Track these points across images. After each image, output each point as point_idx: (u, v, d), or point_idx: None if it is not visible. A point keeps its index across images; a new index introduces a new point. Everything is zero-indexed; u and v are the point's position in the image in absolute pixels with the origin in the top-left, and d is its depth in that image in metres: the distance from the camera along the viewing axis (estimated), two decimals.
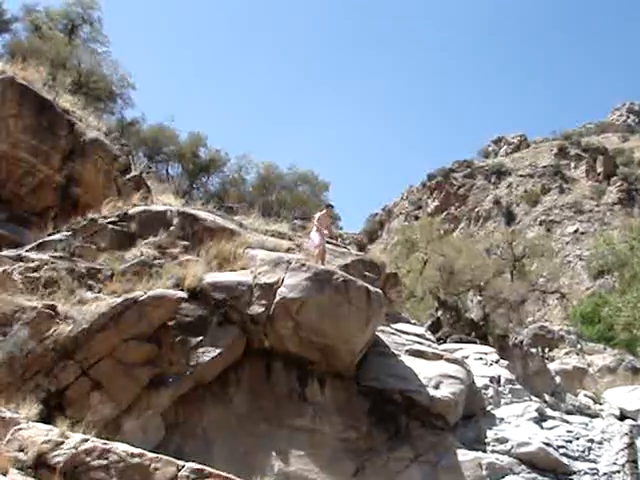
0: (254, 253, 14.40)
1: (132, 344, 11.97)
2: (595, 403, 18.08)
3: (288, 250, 15.34)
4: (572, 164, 67.87)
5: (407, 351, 15.20)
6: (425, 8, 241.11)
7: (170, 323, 12.44)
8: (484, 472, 12.92)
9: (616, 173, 62.76)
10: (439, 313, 25.14)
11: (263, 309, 12.98)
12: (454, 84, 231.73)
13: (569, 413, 16.52)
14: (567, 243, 55.99)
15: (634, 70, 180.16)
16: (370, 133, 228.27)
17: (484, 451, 13.56)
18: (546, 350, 24.60)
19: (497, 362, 17.36)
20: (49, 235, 13.96)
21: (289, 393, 13.11)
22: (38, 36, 28.45)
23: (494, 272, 26.60)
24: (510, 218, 62.90)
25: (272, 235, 16.33)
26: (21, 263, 12.73)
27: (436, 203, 70.07)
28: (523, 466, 13.32)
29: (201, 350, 12.33)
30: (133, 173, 19.17)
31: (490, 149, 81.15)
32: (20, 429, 9.34)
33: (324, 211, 16.56)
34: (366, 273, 16.12)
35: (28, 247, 13.47)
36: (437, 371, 14.48)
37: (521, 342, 23.37)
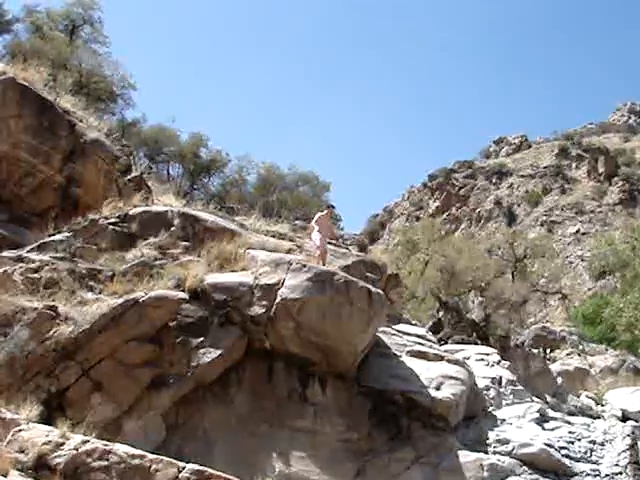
0: (255, 254, 14.38)
1: (133, 345, 11.97)
2: (597, 404, 18.07)
3: (289, 251, 15.32)
4: (573, 164, 67.84)
5: (408, 352, 15.18)
6: (426, 8, 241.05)
7: (171, 324, 12.44)
8: (485, 473, 12.88)
9: (617, 173, 62.70)
10: (440, 314, 25.13)
11: (264, 310, 12.96)
12: (455, 84, 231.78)
13: (571, 414, 16.51)
14: (568, 244, 55.95)
15: (635, 70, 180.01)
16: (371, 133, 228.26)
17: (485, 452, 13.53)
18: (547, 351, 24.62)
19: (498, 363, 17.35)
20: (50, 236, 13.96)
21: (290, 394, 13.09)
22: (39, 37, 28.47)
23: (495, 273, 26.57)
24: (511, 219, 62.87)
25: (273, 236, 16.31)
26: (22, 264, 12.73)
27: (437, 204, 70.06)
28: (525, 467, 13.29)
29: (202, 351, 12.32)
30: (134, 174, 19.15)
31: (491, 149, 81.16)
32: (20, 430, 9.34)
33: (325, 212, 16.53)
34: (367, 274, 16.10)
35: (29, 248, 13.47)
36: (438, 372, 14.46)
37: (522, 343, 23.40)
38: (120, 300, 12.25)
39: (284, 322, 12.98)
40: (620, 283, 30.04)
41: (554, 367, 21.05)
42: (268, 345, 13.11)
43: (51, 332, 11.44)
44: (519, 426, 14.66)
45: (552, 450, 13.79)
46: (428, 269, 27.22)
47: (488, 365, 17.06)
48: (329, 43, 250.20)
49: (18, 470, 8.73)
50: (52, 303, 11.90)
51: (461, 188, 69.80)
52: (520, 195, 65.54)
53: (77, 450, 9.13)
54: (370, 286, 14.07)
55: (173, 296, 12.68)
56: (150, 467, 9.17)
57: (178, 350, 12.24)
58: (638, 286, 25.55)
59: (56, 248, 13.47)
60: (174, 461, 9.39)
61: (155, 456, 9.43)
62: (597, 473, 13.72)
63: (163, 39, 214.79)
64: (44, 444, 9.10)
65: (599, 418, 16.70)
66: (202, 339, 12.43)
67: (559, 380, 19.74)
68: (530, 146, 77.24)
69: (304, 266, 13.59)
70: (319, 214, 16.31)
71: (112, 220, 14.66)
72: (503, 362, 17.54)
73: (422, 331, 17.38)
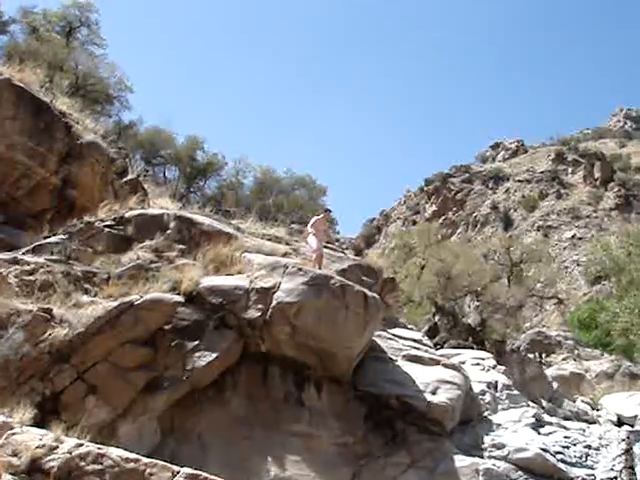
0: (251, 257, 14.36)
1: (128, 348, 11.91)
2: (592, 409, 18.10)
3: (285, 254, 15.29)
4: (570, 170, 68.03)
5: (404, 356, 15.18)
6: (424, 12, 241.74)
7: (166, 327, 12.38)
8: (481, 478, 12.88)
9: (613, 179, 62.90)
10: (436, 318, 25.16)
11: (260, 313, 12.93)
12: (452, 89, 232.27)
13: (566, 419, 16.53)
14: (564, 248, 56.02)
15: (632, 76, 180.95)
16: (368, 138, 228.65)
17: (481, 457, 13.52)
18: (543, 356, 24.64)
19: (494, 368, 17.36)
20: (45, 238, 13.91)
21: (286, 397, 13.06)
22: (35, 38, 28.46)
23: (491, 277, 26.61)
24: (508, 223, 62.98)
25: (269, 239, 16.29)
26: (17, 266, 12.66)
27: (434, 208, 70.15)
28: (520, 472, 13.28)
29: (197, 354, 12.28)
30: (130, 176, 19.14)
31: (488, 154, 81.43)
32: (14, 433, 9.26)
33: (321, 215, 16.54)
34: (363, 278, 16.09)
35: (24, 250, 13.41)
36: (434, 376, 14.45)
37: (518, 348, 23.42)
38: (115, 303, 12.20)
39: (280, 326, 12.95)
40: (616, 288, 30.03)
41: (550, 372, 21.07)
42: (264, 349, 13.07)
43: (46, 335, 11.37)
44: (515, 431, 14.66)
45: (547, 455, 13.80)
46: (424, 273, 27.27)
47: (484, 370, 17.06)
48: (326, 46, 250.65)
49: (11, 474, 8.66)
50: (47, 306, 11.83)
51: (458, 192, 69.90)
52: (516, 200, 65.67)
53: (71, 454, 9.05)
54: (366, 290, 14.06)
55: (168, 299, 12.64)
56: (144, 471, 9.11)
57: (173, 353, 12.19)
58: (633, 291, 25.53)
59: (51, 250, 13.42)
60: (169, 465, 9.33)
61: (149, 460, 9.37)
62: (592, 478, 13.74)
63: (160, 41, 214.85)
64: (38, 447, 9.01)
65: (594, 423, 16.72)
66: (197, 342, 12.38)
67: (555, 385, 19.75)
68: (526, 151, 77.50)
69: (300, 270, 13.58)
70: (315, 218, 16.31)
71: (108, 223, 14.61)
72: (499, 367, 17.55)
73: (418, 335, 17.40)
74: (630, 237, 29.13)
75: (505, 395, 16.01)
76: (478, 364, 17.33)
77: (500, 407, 15.61)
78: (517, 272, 29.08)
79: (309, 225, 16.02)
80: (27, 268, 12.69)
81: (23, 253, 13.23)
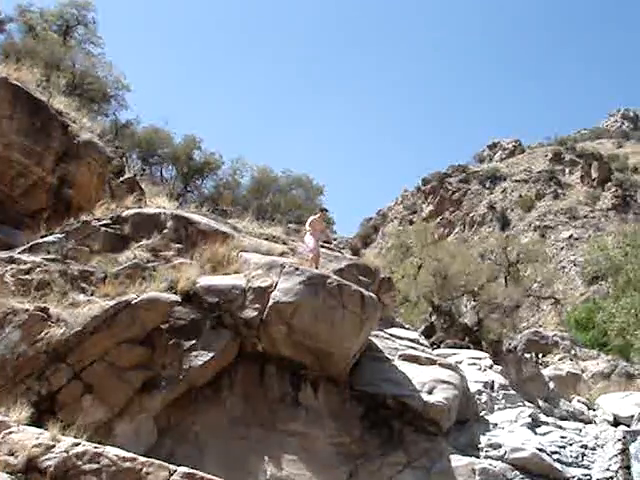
0: (248, 257, 14.37)
1: (125, 347, 11.91)
2: (589, 409, 18.13)
3: (282, 254, 15.30)
4: (567, 170, 68.12)
5: (401, 356, 15.20)
6: (422, 11, 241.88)
7: (163, 326, 12.39)
8: (477, 478, 12.90)
9: (611, 179, 62.98)
10: (433, 318, 25.19)
11: (256, 313, 12.93)
12: (450, 89, 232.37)
13: (563, 419, 16.56)
14: (561, 249, 56.09)
15: (629, 76, 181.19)
16: (365, 137, 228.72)
17: (477, 456, 13.55)
18: (540, 356, 24.65)
19: (491, 367, 17.40)
20: (42, 237, 13.87)
21: (282, 397, 13.07)
22: (32, 37, 28.40)
23: (488, 277, 26.65)
24: (504, 223, 63.02)
25: (266, 239, 16.28)
26: (13, 265, 12.65)
27: (431, 208, 70.17)
28: (516, 472, 13.31)
29: (194, 354, 12.28)
30: (127, 175, 19.11)
31: (485, 154, 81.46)
32: (10, 433, 9.27)
33: (318, 215, 16.55)
34: (360, 277, 16.11)
35: (20, 249, 13.39)
36: (431, 376, 14.47)
37: (515, 347, 23.45)
38: (112, 302, 12.19)
39: (276, 325, 12.96)
40: (612, 288, 30.11)
41: (546, 372, 21.08)
42: (260, 348, 13.08)
43: (42, 334, 11.36)
44: (511, 430, 14.68)
45: (544, 455, 13.82)
46: (421, 273, 27.29)
47: (480, 369, 17.09)
48: (323, 45, 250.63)
49: (7, 473, 8.66)
50: (43, 305, 11.81)
51: (455, 192, 69.91)
52: (513, 200, 65.71)
53: (67, 453, 9.06)
54: (363, 290, 14.08)
55: (165, 298, 12.64)
56: (141, 470, 9.13)
57: (170, 353, 12.19)
58: (630, 291, 25.61)
59: (48, 249, 13.40)
60: (165, 464, 9.35)
61: (146, 459, 9.39)
62: (588, 478, 13.77)
63: (157, 41, 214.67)
64: (34, 447, 9.02)
65: (591, 423, 16.75)
66: (194, 342, 12.39)
67: (551, 385, 19.77)
68: (524, 151, 77.56)
69: (297, 269, 13.59)
70: (312, 217, 16.32)
71: (104, 222, 14.60)
72: (495, 366, 17.59)
73: (415, 335, 17.41)
74: (627, 237, 29.21)
75: (501, 395, 16.04)
76: (475, 364, 17.36)
77: (496, 407, 15.64)
78: (514, 272, 29.13)
79: (306, 224, 16.03)
80: (24, 267, 12.67)
81: (19, 252, 13.21)
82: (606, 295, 34.43)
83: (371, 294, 14.32)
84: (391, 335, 16.20)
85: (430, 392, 14.01)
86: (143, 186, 20.17)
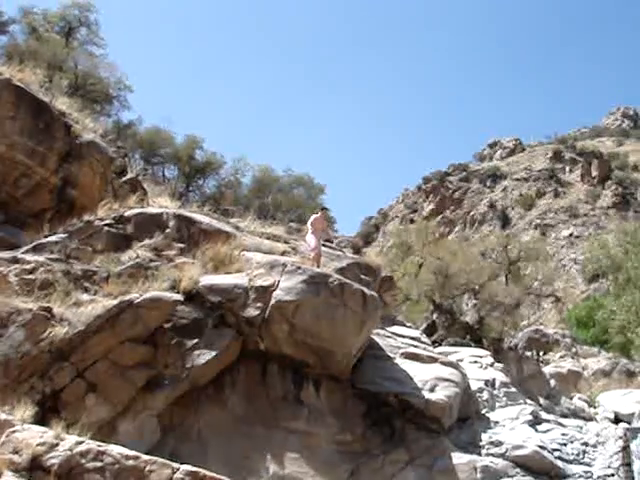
0: (250, 256, 14.41)
1: (128, 346, 11.96)
2: (590, 406, 18.15)
3: (284, 253, 15.34)
4: (567, 168, 68.14)
5: (402, 354, 15.23)
6: (422, 10, 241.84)
7: (166, 325, 12.43)
8: (479, 475, 12.95)
9: (611, 177, 63.01)
10: (434, 316, 25.19)
11: (259, 312, 12.98)
12: (450, 88, 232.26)
13: (564, 416, 16.59)
14: (562, 247, 56.12)
15: (629, 74, 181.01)
16: (366, 136, 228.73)
17: (479, 454, 13.59)
18: (541, 353, 24.66)
19: (492, 365, 17.42)
20: (45, 237, 13.92)
21: (284, 395, 13.11)
22: (35, 38, 28.46)
23: (489, 275, 26.63)
24: (505, 222, 63.05)
25: (268, 238, 16.33)
26: (17, 265, 12.70)
27: (431, 206, 70.22)
28: (518, 469, 13.36)
29: (197, 352, 12.33)
30: (129, 175, 19.18)
31: (485, 153, 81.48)
32: (15, 431, 9.30)
33: (319, 214, 16.56)
34: (362, 276, 16.14)
35: (24, 249, 13.43)
36: (432, 374, 14.51)
37: (516, 345, 23.45)
38: (115, 301, 12.24)
39: (278, 324, 13.01)
40: (613, 286, 30.14)
41: (547, 369, 21.11)
42: (262, 347, 13.13)
43: (46, 333, 11.41)
44: (512, 428, 14.73)
45: (545, 452, 13.87)
46: (422, 271, 27.28)
47: (481, 367, 17.12)
48: (324, 45, 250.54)
49: (12, 471, 8.69)
50: (47, 304, 11.86)
51: (455, 191, 69.97)
52: (514, 198, 65.75)
53: (71, 451, 9.09)
54: (364, 288, 14.12)
55: (168, 298, 12.69)
56: (144, 468, 9.15)
57: (173, 351, 12.24)
58: (631, 289, 25.63)
59: (51, 249, 13.45)
60: (168, 462, 9.38)
61: (149, 457, 9.41)
62: (589, 475, 13.82)
63: (159, 41, 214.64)
64: (38, 445, 9.05)
65: (592, 420, 16.78)
66: (197, 341, 12.43)
67: (552, 382, 19.80)
68: (524, 149, 77.57)
69: (299, 268, 13.63)
70: (314, 216, 16.35)
71: (107, 222, 14.63)
72: (496, 364, 17.61)
73: (416, 333, 17.44)
74: (627, 235, 29.22)
75: (503, 393, 16.07)
76: (476, 362, 17.38)
77: (498, 404, 15.68)
78: (515, 270, 29.11)
79: (308, 223, 16.07)
80: (27, 267, 12.72)
81: (23, 252, 13.26)
82: (607, 293, 34.47)
83: (372, 293, 14.37)
84: (393, 333, 16.23)
85: (432, 390, 14.05)
86: (145, 186, 20.25)
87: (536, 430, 14.89)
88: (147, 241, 14.45)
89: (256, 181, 35.75)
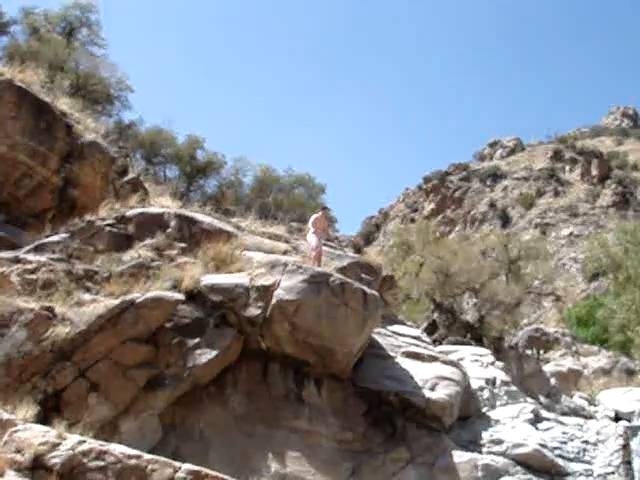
0: (251, 255, 14.45)
1: (129, 346, 12.01)
2: (590, 405, 18.17)
3: (285, 252, 15.38)
4: (567, 167, 68.05)
5: (403, 353, 15.26)
6: (422, 10, 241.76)
7: (167, 325, 12.48)
8: (479, 473, 12.99)
9: (611, 176, 62.95)
10: (435, 315, 25.20)
11: (260, 311, 13.02)
12: (450, 88, 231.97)
13: (564, 415, 16.61)
14: (562, 246, 56.09)
15: (629, 74, 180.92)
16: (366, 136, 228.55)
17: (480, 452, 13.63)
18: (541, 352, 24.69)
19: (492, 364, 17.44)
20: (47, 237, 13.96)
21: (286, 394, 13.16)
22: (36, 39, 28.41)
23: (489, 274, 26.61)
24: (505, 221, 62.98)
25: (269, 237, 16.36)
26: (19, 265, 12.74)
27: (432, 206, 70.13)
28: (518, 467, 13.41)
29: (198, 352, 12.38)
30: (131, 175, 19.21)
31: (486, 152, 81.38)
32: (17, 431, 9.32)
33: (320, 213, 16.58)
34: (363, 275, 16.18)
35: (26, 249, 13.47)
36: (433, 373, 14.55)
37: (516, 344, 23.47)
38: (116, 301, 12.28)
39: (280, 323, 13.05)
40: (613, 285, 30.11)
41: (547, 368, 21.16)
42: (264, 346, 13.17)
43: (48, 333, 11.45)
44: (513, 426, 14.76)
45: (545, 450, 13.91)
46: (423, 271, 27.25)
47: (482, 366, 17.14)
48: (325, 45, 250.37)
49: (14, 470, 8.72)
50: (49, 304, 11.90)
51: (456, 190, 69.89)
52: (514, 197, 65.67)
53: (73, 450, 9.11)
54: (365, 287, 14.15)
55: (169, 297, 12.73)
56: (146, 467, 9.18)
57: (174, 351, 12.29)
58: (631, 288, 25.63)
59: (53, 249, 13.49)
60: (170, 461, 9.40)
61: (151, 456, 9.44)
62: (590, 473, 13.86)
63: (160, 41, 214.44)
64: (41, 444, 9.07)
65: (592, 418, 16.79)
66: (198, 340, 12.48)
67: (552, 381, 19.84)
68: (524, 149, 77.46)
69: (300, 267, 13.67)
70: (315, 216, 16.36)
71: (109, 221, 14.68)
72: (497, 363, 17.62)
73: (417, 332, 17.46)
74: (627, 234, 29.20)
75: (503, 391, 16.09)
76: (476, 360, 17.40)
77: (498, 403, 15.71)
78: (515, 269, 29.07)
79: (309, 223, 16.10)
80: (29, 267, 12.76)
81: (25, 252, 13.30)
82: (607, 292, 34.45)
83: (373, 292, 14.40)
84: (393, 332, 16.26)
85: (432, 389, 14.09)
86: (147, 186, 20.27)
87: (537, 428, 14.92)
88: (148, 241, 14.50)
89: (257, 181, 35.74)
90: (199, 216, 15.66)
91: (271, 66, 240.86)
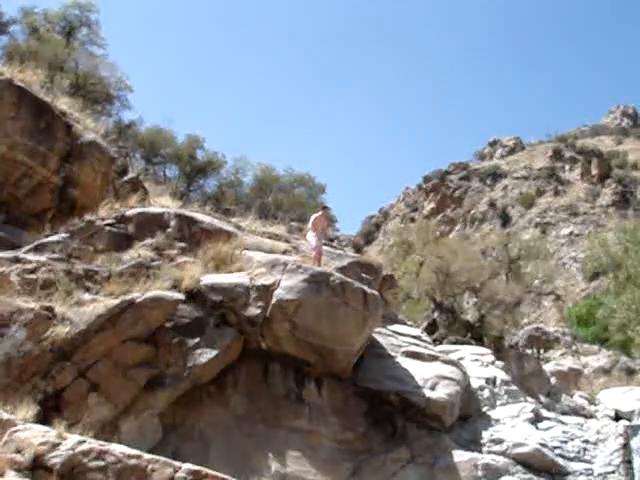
0: (251, 255, 14.44)
1: (129, 345, 12.00)
2: (590, 404, 18.19)
3: (285, 252, 15.37)
4: (567, 166, 68.09)
5: (403, 352, 15.26)
6: (421, 10, 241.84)
7: (167, 324, 12.47)
8: (480, 473, 12.99)
9: (611, 175, 63.00)
10: (435, 315, 25.20)
11: (260, 311, 13.02)
12: (450, 87, 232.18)
13: (564, 414, 16.62)
14: (562, 245, 56.12)
15: (628, 73, 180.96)
16: (366, 135, 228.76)
17: (480, 452, 13.64)
18: (541, 351, 24.72)
19: (493, 363, 17.45)
20: (46, 237, 13.94)
21: (286, 394, 13.16)
22: (36, 38, 28.40)
23: (489, 274, 26.62)
24: (505, 220, 63.01)
25: (269, 237, 16.36)
26: (18, 265, 12.72)
27: (432, 205, 70.15)
28: (519, 467, 13.41)
29: (198, 351, 12.37)
30: (130, 175, 19.20)
31: (486, 151, 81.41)
32: (17, 431, 9.31)
33: (320, 213, 16.57)
34: (363, 275, 16.16)
35: (25, 249, 13.46)
36: (433, 372, 14.55)
37: (516, 343, 23.51)
38: (116, 301, 12.27)
39: (280, 323, 13.04)
40: (613, 284, 30.10)
41: (548, 367, 21.17)
42: (264, 346, 13.17)
43: (48, 333, 11.43)
44: (513, 426, 14.76)
45: (546, 449, 13.91)
46: (423, 270, 27.25)
47: (482, 365, 17.15)
48: (325, 45, 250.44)
49: (14, 470, 8.70)
50: (49, 304, 11.89)
51: (456, 190, 69.90)
52: (514, 197, 65.71)
53: (74, 450, 9.09)
54: (365, 287, 14.15)
55: (169, 297, 12.72)
56: (147, 467, 9.16)
57: (174, 351, 12.28)
58: (631, 287, 25.63)
59: (53, 249, 13.48)
60: (170, 461, 9.39)
61: (151, 456, 9.43)
62: (590, 472, 13.87)
63: (160, 41, 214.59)
64: (40, 444, 9.05)
65: (592, 418, 16.81)
66: (198, 340, 12.47)
67: (553, 380, 19.85)
68: (524, 148, 77.51)
69: (300, 267, 13.66)
70: (315, 215, 16.36)
71: (109, 221, 14.67)
72: (497, 362, 17.64)
73: (417, 332, 17.47)
74: (627, 233, 29.19)
75: (504, 390, 16.10)
76: (477, 360, 17.41)
77: (499, 402, 15.71)
78: (515, 269, 29.06)
79: (309, 222, 16.09)
80: (29, 267, 12.75)
81: (25, 252, 13.29)
82: (607, 291, 34.44)
83: (373, 291, 14.40)
84: (394, 332, 16.26)
85: (433, 388, 14.09)
86: (146, 185, 20.27)
87: (537, 428, 14.93)
88: (148, 240, 14.49)
89: (257, 180, 35.72)
90: (199, 216, 15.65)
91: (271, 66, 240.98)
